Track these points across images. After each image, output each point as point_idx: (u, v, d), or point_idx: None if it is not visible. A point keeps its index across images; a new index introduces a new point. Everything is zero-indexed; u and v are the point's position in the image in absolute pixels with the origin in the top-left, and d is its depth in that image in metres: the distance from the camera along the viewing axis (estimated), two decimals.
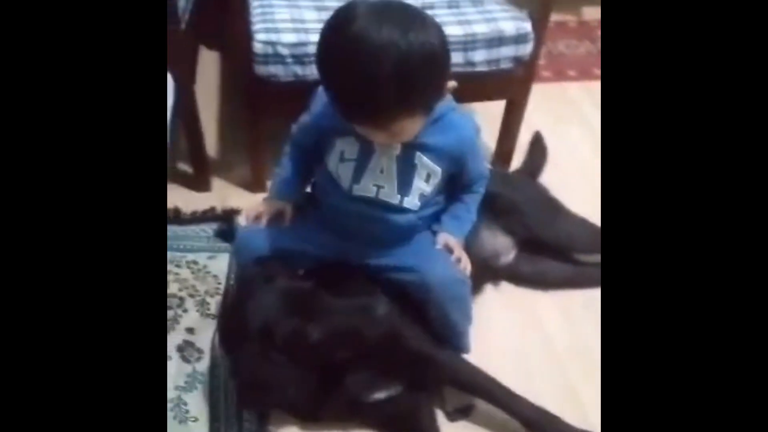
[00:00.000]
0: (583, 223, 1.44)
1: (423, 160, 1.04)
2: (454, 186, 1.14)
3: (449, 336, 1.16)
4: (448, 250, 1.13)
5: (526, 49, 1.45)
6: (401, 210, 1.08)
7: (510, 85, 1.54)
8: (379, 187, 1.06)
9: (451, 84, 0.96)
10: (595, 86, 2.11)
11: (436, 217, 1.16)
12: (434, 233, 1.15)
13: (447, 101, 1.03)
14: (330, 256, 1.14)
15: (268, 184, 1.61)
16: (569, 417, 1.11)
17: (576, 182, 1.68)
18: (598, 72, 2.18)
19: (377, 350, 1.07)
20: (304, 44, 1.34)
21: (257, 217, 1.15)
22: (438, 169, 1.06)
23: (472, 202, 1.17)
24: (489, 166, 1.19)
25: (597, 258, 1.41)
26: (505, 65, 1.46)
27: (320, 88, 1.05)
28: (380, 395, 1.11)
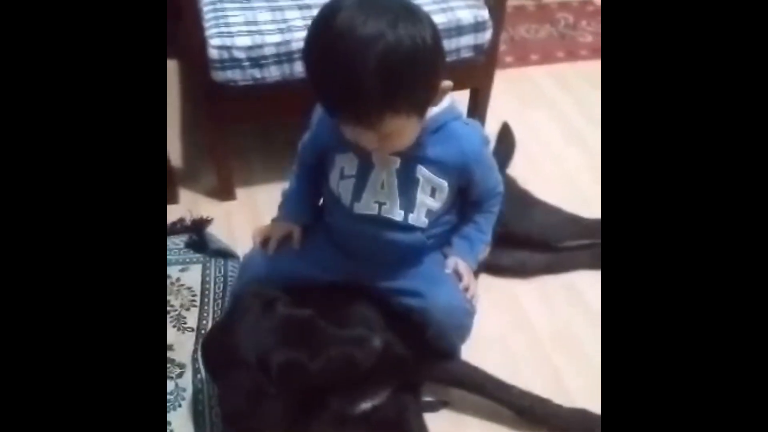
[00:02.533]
0: (556, 212, 1.44)
1: (425, 173, 0.99)
2: (464, 202, 1.09)
3: (441, 351, 1.13)
4: (457, 276, 1.08)
5: (485, 36, 1.45)
6: (407, 228, 1.03)
7: (472, 74, 1.53)
8: (380, 204, 1.01)
9: (446, 84, 0.91)
10: (559, 69, 2.12)
11: (448, 237, 1.11)
12: (445, 256, 1.11)
13: (449, 110, 0.99)
14: (337, 278, 1.10)
15: (237, 191, 1.60)
16: (557, 401, 1.11)
17: (545, 166, 1.69)
18: (561, 55, 2.18)
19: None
20: (259, 46, 1.31)
21: (265, 242, 1.11)
22: (443, 183, 1.01)
23: (484, 222, 1.12)
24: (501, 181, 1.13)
25: (572, 243, 1.42)
26: (466, 54, 1.46)
27: (318, 111, 1.03)
28: (366, 405, 1.09)
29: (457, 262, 1.09)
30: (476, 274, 1.39)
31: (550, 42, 2.26)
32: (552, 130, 1.85)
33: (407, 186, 1.00)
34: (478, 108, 1.62)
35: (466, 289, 1.09)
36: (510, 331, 1.31)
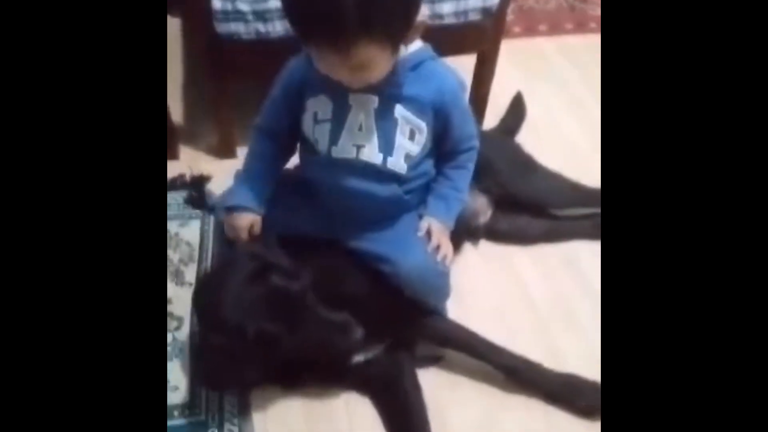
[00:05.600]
0: (558, 178, 1.43)
1: (403, 112, 0.98)
2: (441, 152, 1.08)
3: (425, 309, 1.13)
4: (428, 237, 1.08)
5: None
6: (385, 179, 1.03)
7: (479, 38, 1.51)
8: (359, 147, 1.00)
9: (421, 20, 0.91)
10: (566, 41, 2.09)
11: (424, 194, 1.11)
12: (421, 217, 1.10)
13: (425, 49, 0.99)
14: (318, 233, 1.09)
15: (237, 149, 1.59)
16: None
17: (549, 138, 1.68)
18: (569, 26, 2.16)
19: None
20: (264, 0, 1.29)
21: (237, 239, 1.10)
22: (422, 124, 1.00)
23: (459, 179, 1.10)
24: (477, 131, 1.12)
25: (573, 212, 1.42)
26: (473, 17, 1.43)
27: (285, 68, 1.03)
28: (359, 359, 1.10)
29: (430, 223, 1.09)
30: (475, 239, 1.41)
31: (559, 13, 2.22)
32: (556, 101, 1.83)
33: (386, 127, 0.99)
34: (483, 74, 1.60)
35: (436, 250, 1.08)
36: (507, 300, 1.31)
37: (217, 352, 0.97)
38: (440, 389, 1.14)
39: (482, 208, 1.37)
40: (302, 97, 1.02)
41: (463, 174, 1.11)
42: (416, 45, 0.98)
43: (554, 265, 1.38)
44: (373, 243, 1.07)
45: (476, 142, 1.11)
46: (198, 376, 1.11)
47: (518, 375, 1.11)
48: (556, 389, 1.11)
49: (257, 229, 1.10)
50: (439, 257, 1.08)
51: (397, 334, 1.14)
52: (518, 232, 1.41)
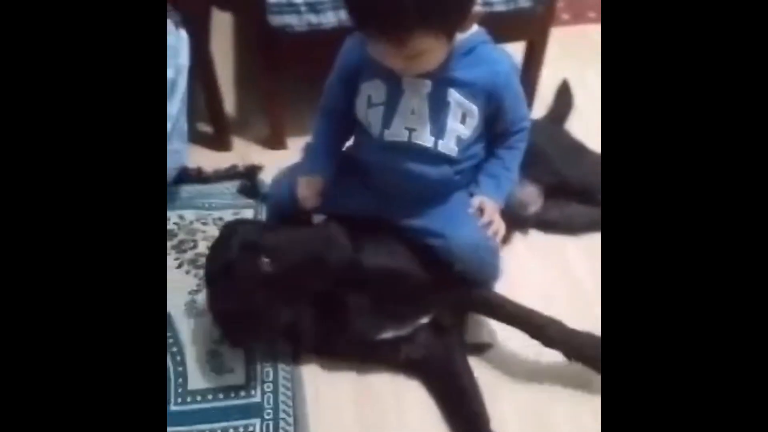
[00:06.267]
0: None
1: (456, 97, 0.99)
2: (493, 134, 1.08)
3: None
4: (480, 214, 1.09)
5: None
6: (436, 161, 1.04)
7: (529, 26, 1.50)
8: (411, 130, 1.02)
9: (478, 10, 0.92)
10: None
11: (474, 174, 1.12)
12: (472, 196, 1.11)
13: (479, 33, 0.99)
14: (370, 213, 1.13)
15: (288, 140, 1.62)
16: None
17: (597, 125, 1.64)
18: None
19: (375, 287, 1.09)
20: None
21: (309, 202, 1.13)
22: (474, 108, 1.00)
23: (510, 158, 1.10)
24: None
25: None
26: (524, 4, 1.42)
27: (343, 47, 1.04)
28: (387, 335, 1.12)
29: (482, 200, 1.09)
30: (524, 229, 1.40)
31: None
32: None
33: (438, 111, 1.00)
34: (532, 62, 1.59)
35: (488, 226, 1.08)
36: (556, 289, 1.30)
37: (231, 295, 1.05)
38: (489, 378, 1.15)
39: (532, 198, 1.36)
40: (358, 79, 1.03)
41: (514, 154, 1.11)
42: (473, 29, 0.99)
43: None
44: (426, 219, 1.10)
45: (527, 123, 1.11)
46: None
47: (544, 334, 1.09)
48: (578, 348, 1.08)
49: (321, 187, 1.13)
50: (489, 232, 1.09)
51: (439, 307, 1.15)
52: (568, 221, 1.39)
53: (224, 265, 1.04)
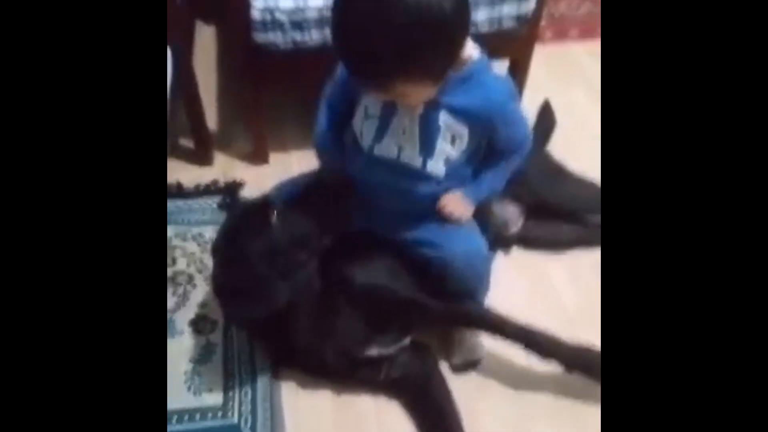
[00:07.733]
0: (590, 185, 1.43)
1: (448, 120, 0.99)
2: (487, 153, 1.07)
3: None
4: (444, 207, 1.08)
5: (529, 6, 1.42)
6: (424, 178, 1.04)
7: (512, 45, 1.51)
8: (400, 149, 1.02)
9: (469, 53, 0.92)
10: (598, 46, 2.07)
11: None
12: None
13: (479, 60, 0.98)
14: (360, 227, 1.12)
15: (270, 155, 1.61)
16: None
17: (580, 144, 1.66)
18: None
19: (366, 304, 1.09)
20: (302, 10, 1.31)
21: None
22: (464, 131, 1.00)
23: (497, 168, 1.08)
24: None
25: None
26: (508, 24, 1.43)
27: None
28: (372, 352, 1.12)
29: (453, 194, 1.08)
30: (508, 247, 1.40)
31: (591, 18, 2.20)
32: (587, 106, 1.82)
33: (428, 132, 1.00)
34: (516, 80, 1.59)
35: (444, 207, 1.07)
36: (539, 306, 1.30)
37: (224, 286, 1.05)
38: (470, 395, 1.14)
39: (513, 217, 1.37)
40: (356, 89, 1.03)
41: (504, 168, 1.09)
42: (475, 55, 0.97)
43: (586, 270, 1.37)
44: (417, 231, 1.10)
45: (526, 145, 1.09)
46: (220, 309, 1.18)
47: (536, 347, 1.09)
48: (571, 361, 1.09)
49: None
50: (445, 212, 1.07)
51: (424, 326, 1.15)
52: (550, 238, 1.40)
53: (228, 231, 1.06)
